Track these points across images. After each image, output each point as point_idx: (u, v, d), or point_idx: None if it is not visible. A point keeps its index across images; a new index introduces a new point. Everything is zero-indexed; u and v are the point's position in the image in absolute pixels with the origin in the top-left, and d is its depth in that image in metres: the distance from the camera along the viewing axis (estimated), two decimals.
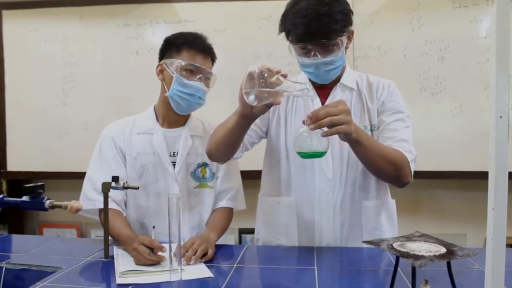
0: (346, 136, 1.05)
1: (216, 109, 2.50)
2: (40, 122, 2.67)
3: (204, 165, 1.42)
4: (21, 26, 2.66)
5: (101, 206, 1.28)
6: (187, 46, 1.34)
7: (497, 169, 0.58)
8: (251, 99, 0.97)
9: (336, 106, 1.02)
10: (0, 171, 2.72)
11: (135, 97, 2.45)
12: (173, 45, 1.36)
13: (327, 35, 1.14)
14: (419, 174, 2.34)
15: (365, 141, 1.10)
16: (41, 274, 1.09)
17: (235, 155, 1.27)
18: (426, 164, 2.29)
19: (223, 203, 1.43)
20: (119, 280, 0.99)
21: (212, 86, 1.40)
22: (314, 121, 1.00)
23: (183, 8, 2.54)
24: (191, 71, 1.33)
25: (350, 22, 1.20)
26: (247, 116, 1.08)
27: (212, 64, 1.42)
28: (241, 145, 1.25)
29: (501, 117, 0.58)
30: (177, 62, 1.32)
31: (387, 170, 1.16)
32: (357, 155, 1.15)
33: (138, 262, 1.09)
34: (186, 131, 1.42)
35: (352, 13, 1.20)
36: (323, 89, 1.30)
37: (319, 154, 1.05)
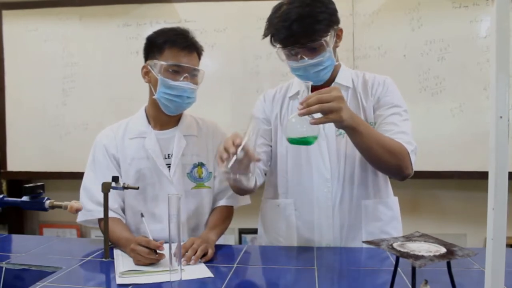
0: (340, 124, 1.03)
1: (216, 109, 2.52)
2: (40, 122, 2.67)
3: (200, 165, 1.39)
4: (21, 26, 2.66)
5: (99, 215, 1.29)
6: (169, 45, 1.28)
7: (497, 169, 0.58)
8: (234, 179, 1.00)
9: (329, 93, 1.00)
10: (0, 171, 2.72)
11: (135, 97, 2.43)
12: (154, 45, 1.31)
13: (310, 36, 1.14)
14: (419, 174, 2.33)
15: (362, 129, 1.07)
16: (41, 274, 1.08)
17: (258, 184, 1.30)
18: (426, 164, 2.29)
19: (223, 202, 1.41)
20: (119, 280, 0.99)
21: (201, 82, 1.35)
22: (305, 106, 0.99)
23: (183, 8, 2.54)
24: (176, 71, 1.28)
25: (335, 21, 1.19)
26: None
27: (199, 58, 1.36)
28: (257, 173, 1.28)
29: (501, 117, 0.58)
30: (160, 63, 1.28)
31: (386, 160, 1.13)
32: (355, 144, 1.13)
33: (137, 263, 1.09)
34: (180, 131, 1.39)
35: (337, 11, 1.20)
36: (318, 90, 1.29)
37: (308, 141, 1.04)
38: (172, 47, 1.29)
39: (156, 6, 2.56)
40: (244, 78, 2.51)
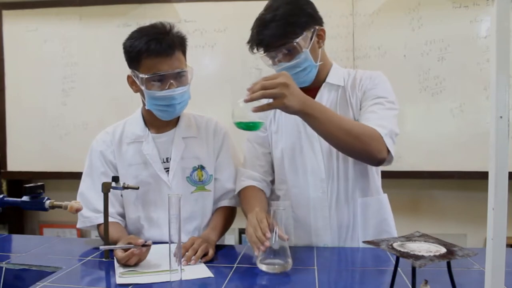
0: (285, 110, 1.03)
1: (216, 109, 2.52)
2: (40, 122, 2.67)
3: (200, 167, 1.36)
4: (21, 26, 2.66)
5: (96, 221, 1.29)
6: (144, 55, 1.20)
7: (497, 169, 0.58)
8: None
9: (275, 79, 1.00)
10: (0, 171, 2.72)
11: (135, 97, 2.43)
12: (131, 56, 1.24)
13: (281, 39, 1.15)
14: (419, 174, 2.34)
15: (317, 115, 1.05)
16: (41, 274, 1.08)
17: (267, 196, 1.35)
18: (426, 164, 2.29)
19: (225, 202, 1.39)
20: (119, 280, 0.99)
21: (191, 78, 1.27)
22: (250, 93, 0.99)
23: (183, 8, 2.55)
24: (158, 81, 1.22)
25: (312, 23, 1.19)
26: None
27: (184, 53, 1.27)
28: (263, 186, 1.34)
29: (501, 117, 0.58)
30: (140, 76, 1.21)
31: (352, 145, 1.10)
32: (314, 129, 1.10)
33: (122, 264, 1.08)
34: (178, 133, 1.35)
35: (316, 12, 1.21)
36: (309, 91, 1.25)
37: (254, 126, 1.05)
38: (148, 56, 1.20)
39: (156, 6, 2.56)
40: (244, 78, 2.51)
